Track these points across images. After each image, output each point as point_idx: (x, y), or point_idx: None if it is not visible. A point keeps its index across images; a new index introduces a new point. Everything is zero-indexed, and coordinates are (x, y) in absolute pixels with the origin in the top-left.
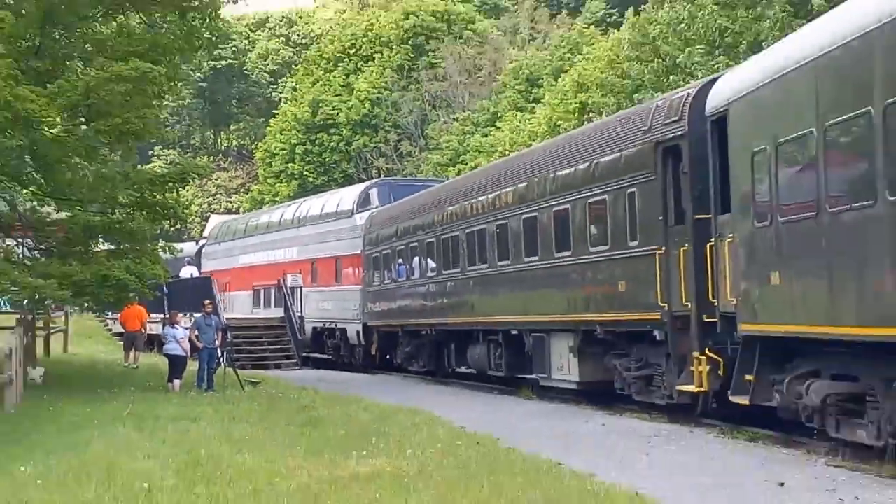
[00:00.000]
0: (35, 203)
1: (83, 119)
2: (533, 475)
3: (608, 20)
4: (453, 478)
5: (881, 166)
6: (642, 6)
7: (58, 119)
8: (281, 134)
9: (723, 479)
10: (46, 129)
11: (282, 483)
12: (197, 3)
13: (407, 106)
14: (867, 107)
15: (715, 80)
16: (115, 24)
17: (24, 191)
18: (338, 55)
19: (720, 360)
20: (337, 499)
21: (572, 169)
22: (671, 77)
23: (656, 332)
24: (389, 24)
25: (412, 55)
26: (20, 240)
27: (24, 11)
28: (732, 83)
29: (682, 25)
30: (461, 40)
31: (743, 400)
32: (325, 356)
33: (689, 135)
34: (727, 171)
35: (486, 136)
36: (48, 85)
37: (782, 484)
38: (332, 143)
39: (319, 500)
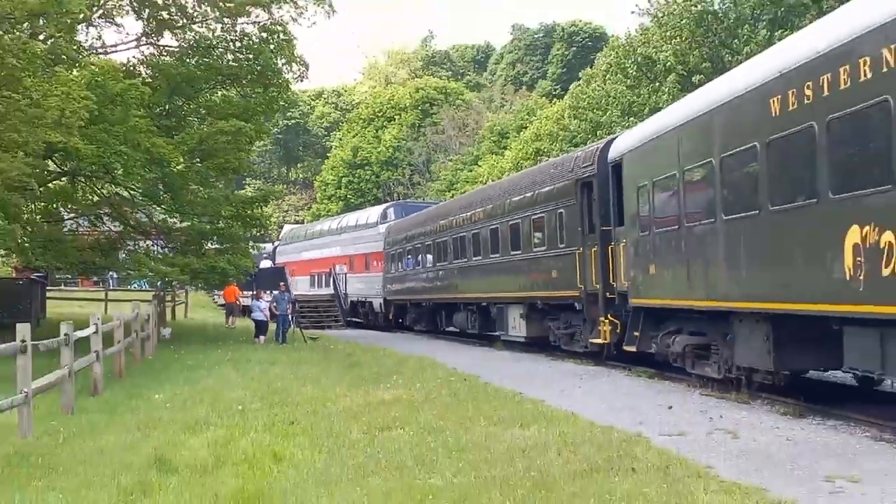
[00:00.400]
0: (165, 216)
1: (198, 159)
2: (502, 401)
3: (554, 93)
4: (448, 402)
5: (719, 197)
6: (578, 83)
7: (181, 159)
8: (332, 170)
9: (630, 403)
10: (173, 166)
11: (331, 406)
12: (275, 81)
13: (417, 151)
14: (710, 158)
15: (614, 138)
16: (219, 94)
17: (158, 208)
18: (371, 116)
19: (617, 322)
20: (370, 417)
21: (522, 196)
22: (597, 132)
23: (576, 304)
24: (405, 95)
25: (421, 116)
26: (154, 241)
27: (158, 87)
28: (626, 141)
29: (602, 101)
30: (454, 107)
31: (632, 348)
32: (359, 320)
33: (598, 175)
34: (622, 199)
35: (471, 171)
36: (174, 136)
37: (671, 407)
38: (366, 176)
39: (357, 417)
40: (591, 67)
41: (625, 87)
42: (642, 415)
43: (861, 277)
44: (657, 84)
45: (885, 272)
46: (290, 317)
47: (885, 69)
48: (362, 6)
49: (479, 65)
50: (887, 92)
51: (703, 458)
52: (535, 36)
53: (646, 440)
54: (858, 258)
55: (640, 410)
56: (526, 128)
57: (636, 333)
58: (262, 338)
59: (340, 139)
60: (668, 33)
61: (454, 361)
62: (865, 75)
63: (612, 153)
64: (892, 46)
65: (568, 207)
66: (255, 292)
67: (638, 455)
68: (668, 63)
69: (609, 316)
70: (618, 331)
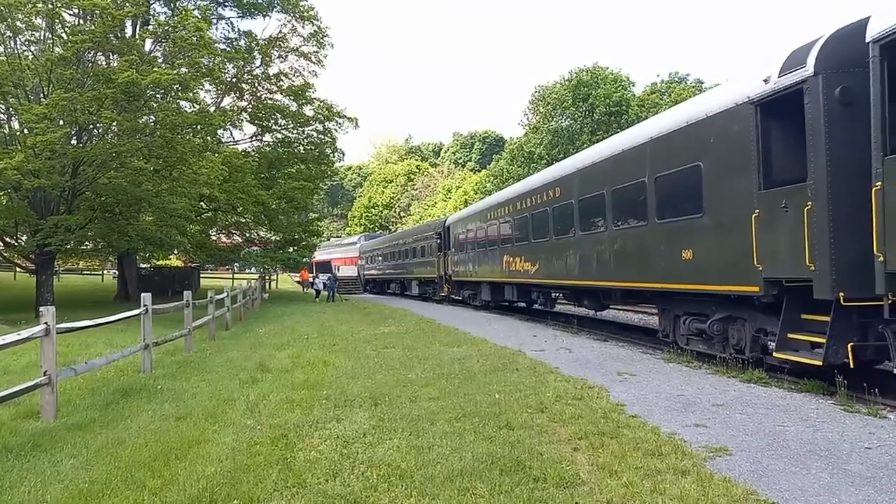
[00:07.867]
0: (265, 233)
1: (283, 202)
2: (452, 334)
3: (475, 169)
4: (419, 334)
5: (478, 239)
6: (487, 167)
7: (273, 202)
8: (356, 210)
9: (515, 333)
10: (269, 206)
11: (357, 335)
12: (325, 161)
13: (403, 200)
14: (478, 224)
15: (448, 217)
16: (294, 167)
17: (261, 228)
18: (378, 180)
19: (450, 285)
20: (376, 341)
21: (419, 235)
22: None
23: (436, 279)
24: (396, 168)
25: (405, 181)
26: (257, 246)
27: (261, 163)
28: (452, 218)
29: (500, 176)
30: (423, 175)
31: (456, 297)
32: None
33: (443, 230)
34: (450, 238)
35: (430, 210)
36: (270, 189)
37: (535, 335)
38: (376, 215)
39: (370, 341)
40: (495, 156)
41: (517, 169)
42: (521, 339)
43: (504, 269)
44: (534, 166)
45: (512, 268)
46: (334, 287)
47: (549, 197)
48: (375, 117)
49: (435, 153)
50: (546, 206)
51: (553, 362)
52: (465, 138)
53: (523, 353)
54: (506, 264)
55: (520, 337)
56: (459, 187)
57: (456, 291)
58: (318, 299)
59: (361, 194)
60: (540, 136)
61: (419, 311)
62: (557, 194)
63: (447, 222)
64: (554, 188)
65: (433, 241)
66: (315, 273)
67: (519, 361)
68: (540, 153)
69: (446, 284)
70: (450, 289)
